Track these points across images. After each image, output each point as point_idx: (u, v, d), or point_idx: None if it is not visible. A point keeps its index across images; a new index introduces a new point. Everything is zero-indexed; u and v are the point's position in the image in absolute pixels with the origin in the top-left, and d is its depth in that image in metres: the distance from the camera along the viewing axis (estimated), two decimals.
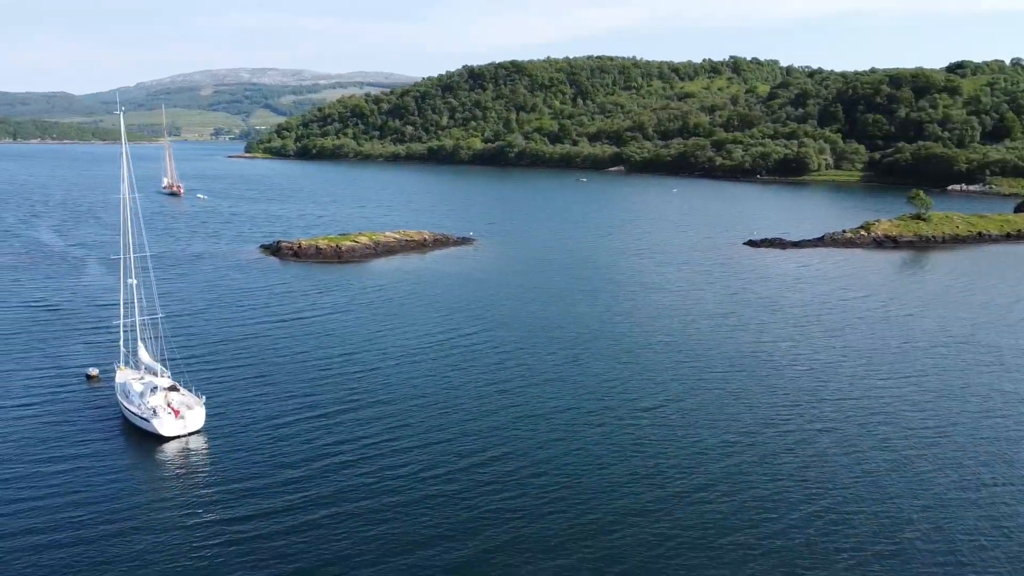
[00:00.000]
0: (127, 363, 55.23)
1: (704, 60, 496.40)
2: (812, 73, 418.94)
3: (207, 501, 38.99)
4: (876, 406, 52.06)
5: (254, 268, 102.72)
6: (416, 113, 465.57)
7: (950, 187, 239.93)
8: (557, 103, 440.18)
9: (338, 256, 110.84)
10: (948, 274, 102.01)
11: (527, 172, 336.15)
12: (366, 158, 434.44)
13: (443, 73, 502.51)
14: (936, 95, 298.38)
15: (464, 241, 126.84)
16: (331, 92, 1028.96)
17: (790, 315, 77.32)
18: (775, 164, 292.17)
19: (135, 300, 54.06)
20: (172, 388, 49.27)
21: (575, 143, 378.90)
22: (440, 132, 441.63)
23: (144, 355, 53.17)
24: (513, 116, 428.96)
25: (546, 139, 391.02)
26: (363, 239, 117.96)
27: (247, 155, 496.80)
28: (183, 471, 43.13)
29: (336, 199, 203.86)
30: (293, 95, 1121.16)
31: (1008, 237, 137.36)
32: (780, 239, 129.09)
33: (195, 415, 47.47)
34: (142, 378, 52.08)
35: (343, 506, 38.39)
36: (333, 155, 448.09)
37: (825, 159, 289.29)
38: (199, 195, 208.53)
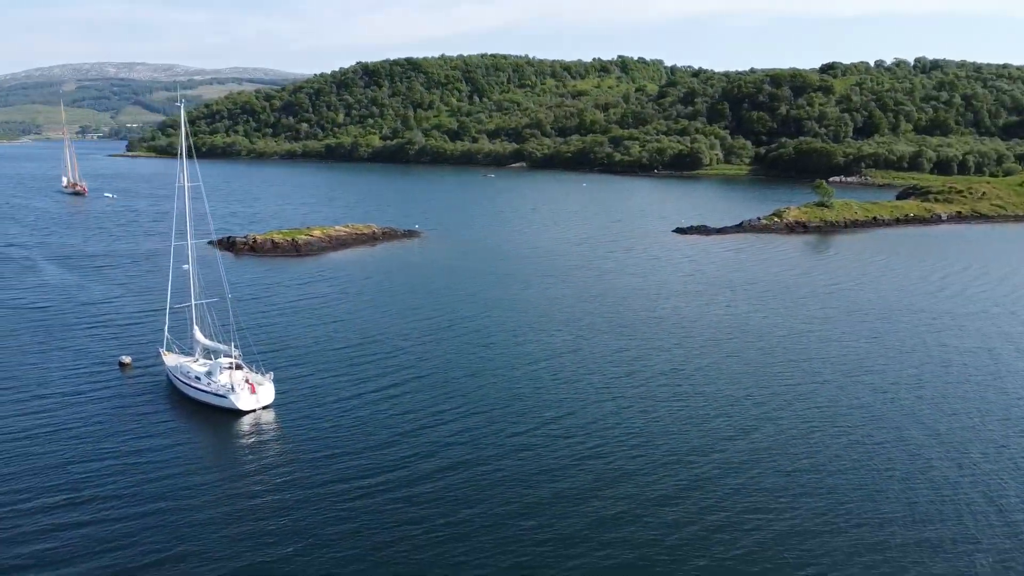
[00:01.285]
0: (169, 347, 56.87)
1: (594, 59, 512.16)
2: (696, 73, 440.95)
3: (299, 467, 42.03)
4: (855, 362, 60.42)
5: (217, 263, 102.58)
6: (311, 110, 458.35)
7: (831, 179, 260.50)
8: (454, 100, 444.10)
9: (296, 250, 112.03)
10: (866, 253, 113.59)
11: (430, 169, 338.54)
12: (260, 156, 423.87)
13: (336, 70, 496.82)
14: (812, 94, 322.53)
15: (411, 234, 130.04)
16: (208, 88, 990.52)
17: (748, 291, 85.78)
18: (670, 159, 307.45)
19: (191, 285, 55.84)
20: (236, 367, 51.56)
21: (475, 140, 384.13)
22: (337, 129, 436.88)
23: (201, 337, 55.02)
24: (411, 113, 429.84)
25: (446, 136, 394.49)
26: (316, 233, 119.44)
27: (130, 154, 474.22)
28: (268, 441, 45.92)
29: (257, 197, 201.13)
30: (166, 91, 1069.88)
31: (898, 221, 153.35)
32: (704, 226, 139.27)
33: (266, 390, 50.18)
34: (196, 359, 54.04)
35: (440, 471, 42.26)
36: (224, 153, 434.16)
37: (716, 154, 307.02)
38: (107, 194, 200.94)
